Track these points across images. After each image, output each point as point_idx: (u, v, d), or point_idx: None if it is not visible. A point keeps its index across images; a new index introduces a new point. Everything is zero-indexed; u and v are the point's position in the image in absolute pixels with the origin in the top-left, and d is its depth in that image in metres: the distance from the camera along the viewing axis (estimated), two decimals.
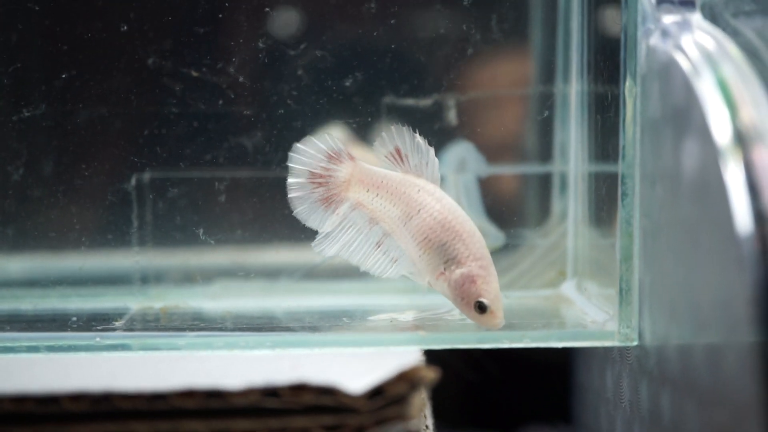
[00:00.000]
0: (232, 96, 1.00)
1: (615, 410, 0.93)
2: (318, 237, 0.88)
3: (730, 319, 0.64)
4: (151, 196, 1.01)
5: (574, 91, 1.02)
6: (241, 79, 1.00)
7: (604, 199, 0.92)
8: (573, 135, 1.02)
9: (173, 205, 1.01)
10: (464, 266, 0.85)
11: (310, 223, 0.88)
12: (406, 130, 0.86)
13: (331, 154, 0.87)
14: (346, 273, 1.03)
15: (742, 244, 0.61)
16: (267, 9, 1.00)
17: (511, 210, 1.07)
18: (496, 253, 1.05)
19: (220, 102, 1.00)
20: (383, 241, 0.88)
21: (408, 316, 0.93)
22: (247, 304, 1.02)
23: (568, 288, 1.03)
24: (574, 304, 0.99)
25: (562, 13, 1.02)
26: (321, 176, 0.87)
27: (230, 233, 1.02)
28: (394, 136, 0.86)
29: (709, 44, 0.72)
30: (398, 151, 0.86)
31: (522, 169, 1.07)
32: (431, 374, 0.72)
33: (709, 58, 0.70)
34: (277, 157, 1.01)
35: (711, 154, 0.65)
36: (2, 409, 0.71)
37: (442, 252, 0.85)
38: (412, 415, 0.72)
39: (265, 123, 1.01)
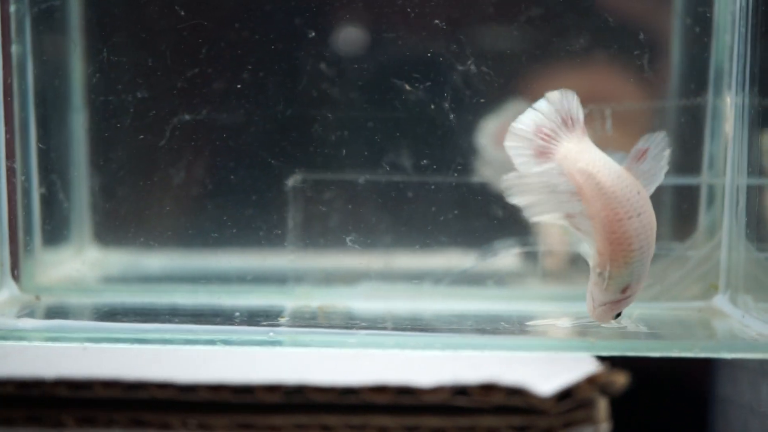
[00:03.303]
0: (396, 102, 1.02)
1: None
2: (512, 174, 0.84)
3: None
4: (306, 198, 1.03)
5: (730, 103, 1.01)
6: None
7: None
8: (730, 147, 1.02)
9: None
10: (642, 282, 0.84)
11: (515, 159, 0.84)
12: (665, 138, 0.83)
13: (567, 117, 0.84)
14: (486, 279, 1.04)
15: None
16: None
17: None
18: None
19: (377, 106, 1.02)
20: (575, 215, 0.83)
21: (565, 323, 0.93)
22: (396, 306, 1.03)
23: (720, 301, 1.03)
24: (730, 317, 0.99)
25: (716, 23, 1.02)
26: (546, 133, 0.84)
27: (379, 238, 1.04)
28: (655, 138, 0.83)
29: None
30: (646, 151, 0.83)
31: (670, 181, 1.06)
32: (621, 379, 0.72)
33: None
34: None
35: None
36: (199, 397, 0.73)
37: (645, 264, 0.83)
38: (601, 420, 0.72)
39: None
